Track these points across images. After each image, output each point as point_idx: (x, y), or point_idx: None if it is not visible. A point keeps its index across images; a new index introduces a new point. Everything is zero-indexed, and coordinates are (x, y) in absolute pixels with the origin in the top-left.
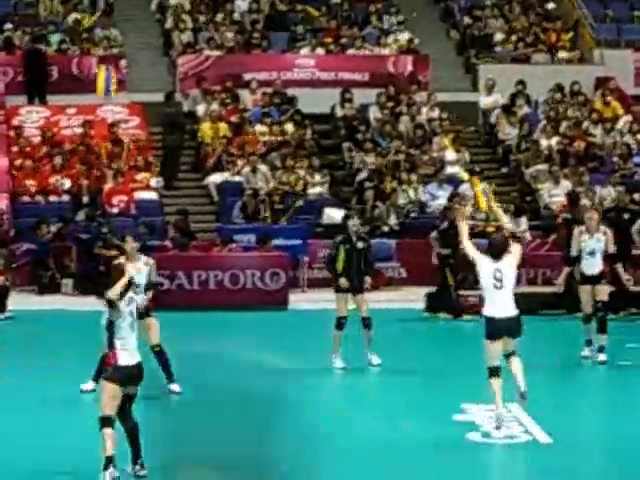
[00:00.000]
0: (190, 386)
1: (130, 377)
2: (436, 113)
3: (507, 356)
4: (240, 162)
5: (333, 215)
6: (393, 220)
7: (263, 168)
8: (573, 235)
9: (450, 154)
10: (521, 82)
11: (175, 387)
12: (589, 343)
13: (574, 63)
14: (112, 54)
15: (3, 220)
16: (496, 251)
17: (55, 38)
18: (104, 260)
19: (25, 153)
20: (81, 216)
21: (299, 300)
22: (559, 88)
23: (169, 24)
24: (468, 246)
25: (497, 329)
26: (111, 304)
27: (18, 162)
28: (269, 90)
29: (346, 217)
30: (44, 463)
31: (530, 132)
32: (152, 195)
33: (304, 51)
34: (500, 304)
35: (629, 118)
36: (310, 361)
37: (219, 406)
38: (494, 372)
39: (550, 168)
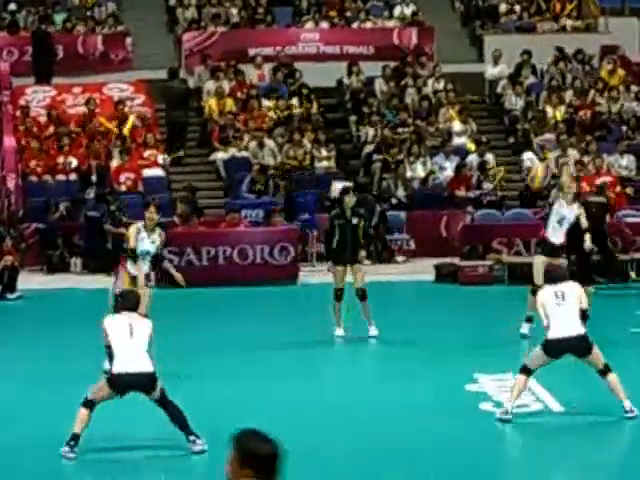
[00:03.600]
0: (200, 361)
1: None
2: (442, 85)
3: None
4: (247, 137)
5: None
6: (401, 192)
7: (270, 143)
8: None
9: (457, 125)
10: (526, 52)
11: None
12: (530, 320)
13: (579, 32)
14: (117, 32)
15: (11, 200)
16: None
17: (60, 17)
18: (113, 238)
19: (32, 133)
20: (90, 195)
21: (309, 274)
22: (564, 56)
23: (173, 1)
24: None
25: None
26: None
27: (25, 142)
28: (274, 64)
29: (343, 192)
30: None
31: (536, 101)
32: (159, 172)
33: (308, 25)
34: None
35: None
36: (322, 334)
37: (232, 379)
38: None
39: (557, 137)
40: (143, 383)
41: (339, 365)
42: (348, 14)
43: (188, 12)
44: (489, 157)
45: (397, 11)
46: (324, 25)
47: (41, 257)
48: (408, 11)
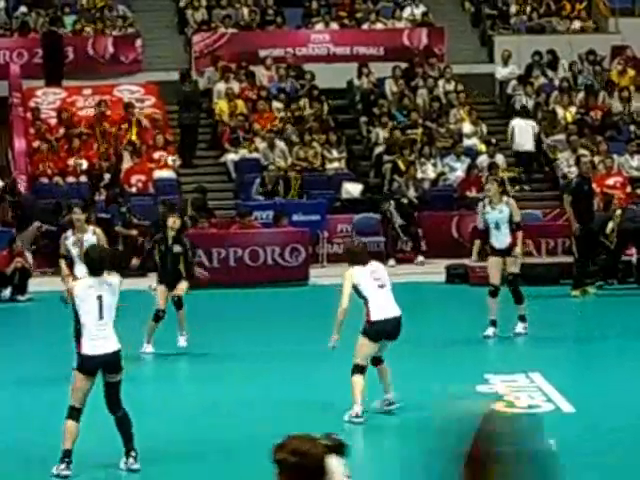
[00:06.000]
0: (207, 363)
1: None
2: (452, 86)
3: (375, 360)
4: (257, 139)
5: (351, 190)
6: (412, 193)
7: (280, 144)
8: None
9: (467, 126)
10: (537, 53)
11: None
12: (494, 324)
13: (589, 32)
14: (127, 34)
15: (22, 202)
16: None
17: (69, 19)
18: (123, 239)
19: (42, 135)
20: (100, 197)
21: (319, 275)
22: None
23: (183, 2)
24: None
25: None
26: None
27: (35, 144)
28: (284, 66)
29: (165, 214)
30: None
31: (547, 102)
32: (170, 174)
33: (319, 26)
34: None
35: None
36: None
37: (237, 381)
38: (359, 369)
39: (568, 138)
40: (113, 362)
41: (349, 365)
42: (358, 15)
43: (198, 13)
44: (499, 158)
45: (407, 12)
46: (334, 26)
47: (52, 259)
48: (418, 12)
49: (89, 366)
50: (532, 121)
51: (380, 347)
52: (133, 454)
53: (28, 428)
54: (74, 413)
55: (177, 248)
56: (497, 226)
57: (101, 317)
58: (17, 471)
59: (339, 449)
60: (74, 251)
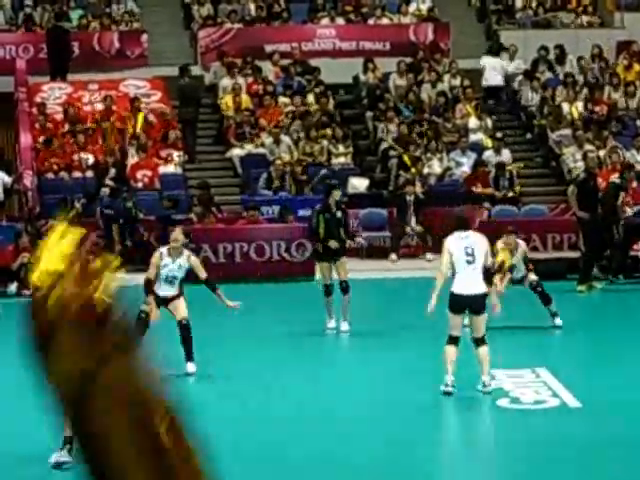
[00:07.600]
0: (211, 357)
1: None
2: (458, 80)
3: (475, 341)
4: (263, 134)
5: (358, 185)
6: (418, 188)
7: (286, 139)
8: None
9: (473, 121)
10: (543, 48)
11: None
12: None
13: (595, 27)
14: (133, 29)
15: (28, 197)
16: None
17: (75, 14)
18: (130, 235)
19: (48, 130)
20: (105, 192)
21: None
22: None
23: None
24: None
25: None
26: None
27: (41, 139)
28: (291, 61)
29: (332, 187)
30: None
31: (553, 97)
32: (176, 169)
33: (324, 21)
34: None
35: None
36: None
37: (242, 376)
38: (451, 340)
39: (574, 133)
40: None
41: (354, 361)
42: (364, 10)
43: (204, 9)
44: (505, 153)
45: (413, 7)
46: (340, 21)
47: None
48: (424, 7)
49: None
50: (499, 59)
51: (469, 321)
52: (68, 447)
53: (32, 423)
54: None
55: (339, 214)
56: (511, 269)
57: None
58: (19, 466)
59: None
60: (163, 271)
